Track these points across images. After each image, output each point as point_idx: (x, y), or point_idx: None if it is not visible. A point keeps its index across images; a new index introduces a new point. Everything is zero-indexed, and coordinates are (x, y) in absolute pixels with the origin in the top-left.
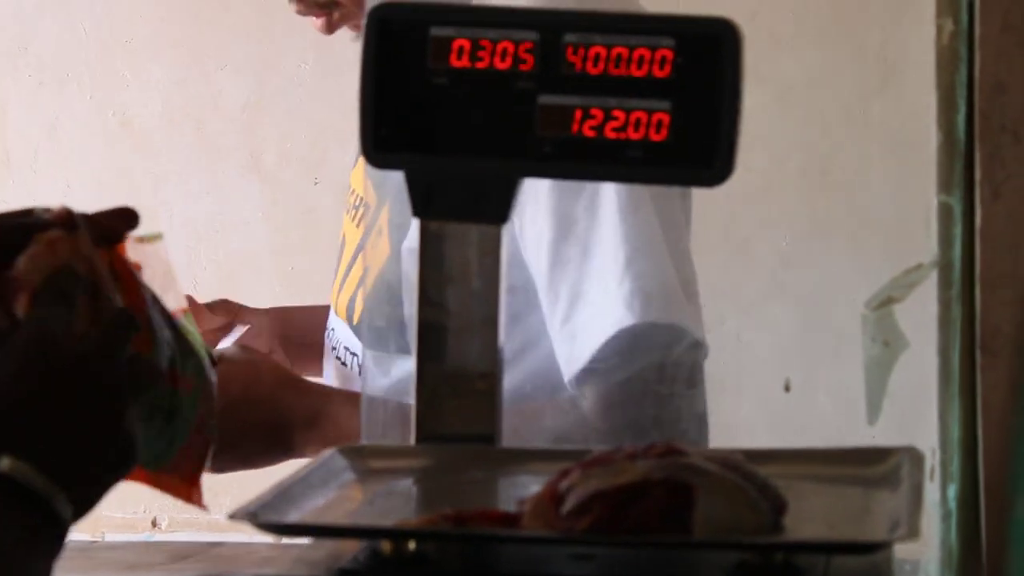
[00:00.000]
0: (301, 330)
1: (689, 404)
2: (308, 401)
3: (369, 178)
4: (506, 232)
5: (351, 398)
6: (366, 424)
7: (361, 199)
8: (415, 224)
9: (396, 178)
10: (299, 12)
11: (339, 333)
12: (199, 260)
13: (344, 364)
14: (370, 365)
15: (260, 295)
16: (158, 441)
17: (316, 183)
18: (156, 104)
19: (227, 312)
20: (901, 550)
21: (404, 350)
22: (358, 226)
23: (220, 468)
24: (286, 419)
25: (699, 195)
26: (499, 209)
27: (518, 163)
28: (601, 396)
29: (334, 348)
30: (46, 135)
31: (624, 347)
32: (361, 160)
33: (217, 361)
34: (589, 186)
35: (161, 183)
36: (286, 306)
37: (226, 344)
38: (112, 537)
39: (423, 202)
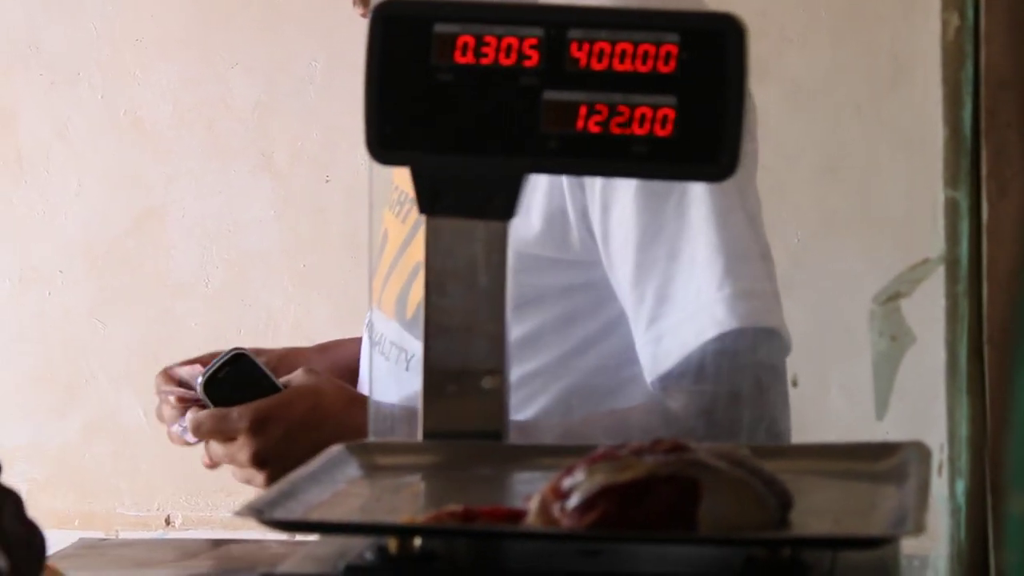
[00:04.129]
0: (345, 368)
1: (782, 403)
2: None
3: None
4: (567, 233)
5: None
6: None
7: (406, 195)
8: None
9: None
10: (364, 15)
11: (382, 328)
12: (211, 259)
13: (387, 359)
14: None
15: (272, 294)
16: None
17: (327, 181)
18: (167, 103)
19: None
20: (909, 546)
21: None
22: (403, 221)
23: None
24: (357, 435)
25: None
26: (505, 205)
27: (523, 159)
28: (695, 397)
29: (377, 343)
30: (58, 135)
31: (723, 350)
32: None
33: (284, 388)
34: (677, 188)
35: (172, 182)
36: (327, 342)
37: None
38: (126, 534)
39: (429, 199)
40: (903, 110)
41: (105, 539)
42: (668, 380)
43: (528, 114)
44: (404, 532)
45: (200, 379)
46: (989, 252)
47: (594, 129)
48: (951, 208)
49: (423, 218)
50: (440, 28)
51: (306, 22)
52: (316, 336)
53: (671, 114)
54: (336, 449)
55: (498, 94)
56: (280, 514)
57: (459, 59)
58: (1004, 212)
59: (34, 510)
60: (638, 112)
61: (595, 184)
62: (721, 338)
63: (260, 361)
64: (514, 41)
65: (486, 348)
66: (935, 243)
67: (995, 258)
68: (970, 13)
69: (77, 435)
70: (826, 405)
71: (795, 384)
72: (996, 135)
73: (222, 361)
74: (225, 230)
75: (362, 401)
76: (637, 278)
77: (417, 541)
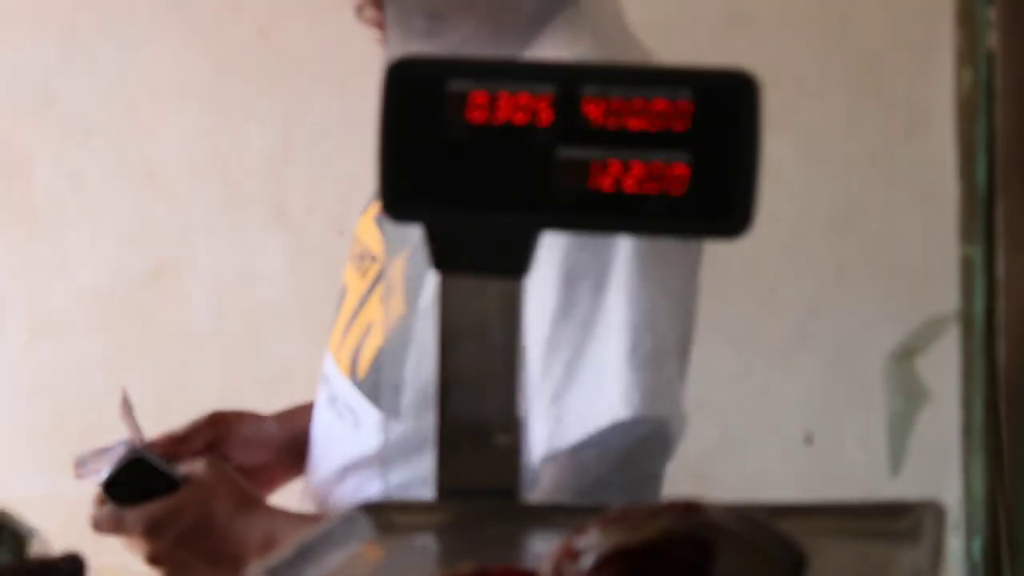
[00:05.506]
0: (308, 433)
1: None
2: (261, 525)
3: (382, 232)
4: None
5: (303, 519)
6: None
7: (367, 250)
8: (430, 282)
9: (412, 234)
10: (369, 24)
11: (337, 386)
12: (225, 311)
13: (340, 418)
14: (369, 423)
15: (286, 346)
16: None
17: (341, 234)
18: (181, 155)
19: (214, 429)
20: None
21: (396, 413)
22: (363, 276)
23: None
24: (239, 547)
25: (725, 245)
26: (518, 262)
27: (536, 217)
28: (568, 475)
29: (333, 400)
30: (72, 187)
31: (612, 435)
32: (370, 211)
33: (183, 483)
34: (598, 265)
35: (187, 234)
36: (293, 408)
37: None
38: None
39: (441, 255)
40: (918, 163)
41: None
42: (556, 459)
43: (541, 171)
44: None
45: (99, 483)
46: (1005, 308)
47: (607, 187)
48: (966, 264)
49: (383, 277)
50: (453, 85)
51: (320, 74)
52: None
53: (685, 171)
54: (349, 509)
55: (511, 151)
56: (293, 575)
57: (472, 116)
58: (1019, 267)
59: None
60: (652, 169)
61: None
62: (612, 427)
63: (156, 459)
64: (527, 98)
65: (500, 404)
66: (950, 298)
67: (1010, 314)
68: (984, 69)
69: (91, 488)
70: (842, 459)
71: (811, 442)
72: (1011, 190)
73: (119, 467)
74: (239, 282)
75: (253, 505)
76: (547, 350)
77: None
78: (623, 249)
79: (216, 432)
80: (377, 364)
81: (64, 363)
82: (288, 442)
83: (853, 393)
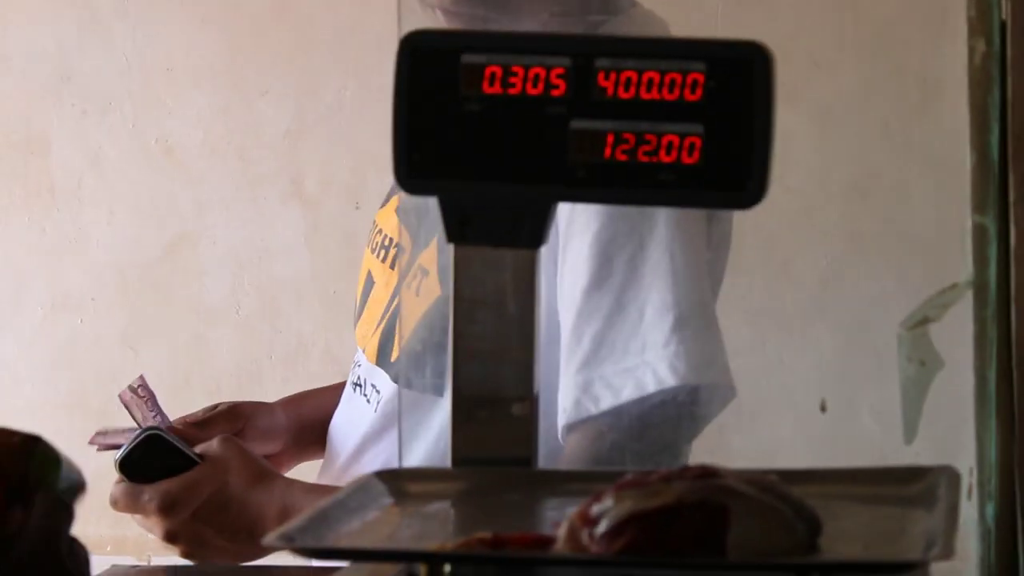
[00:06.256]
0: (315, 420)
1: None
2: (278, 497)
3: (403, 223)
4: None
5: (312, 489)
6: None
7: (391, 240)
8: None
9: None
10: None
11: (364, 372)
12: (242, 286)
13: (368, 401)
14: (406, 406)
15: (303, 320)
16: None
17: (357, 208)
18: (198, 132)
19: (232, 423)
20: (939, 570)
21: (439, 391)
22: (392, 267)
23: (203, 559)
24: (256, 520)
25: (739, 217)
26: (533, 234)
27: (551, 188)
28: (592, 442)
29: (358, 384)
30: (89, 164)
31: (646, 405)
32: (393, 202)
33: (201, 459)
34: (635, 238)
35: (204, 210)
36: (299, 393)
37: None
38: (157, 560)
39: (457, 228)
40: (931, 134)
41: (137, 565)
42: (584, 425)
43: (556, 143)
44: (434, 559)
45: (116, 458)
46: (1017, 276)
47: (621, 158)
48: (979, 233)
49: (413, 263)
50: (468, 58)
51: (335, 49)
52: (346, 361)
53: (698, 142)
54: (365, 477)
55: (526, 123)
56: (311, 541)
57: (487, 89)
58: None
59: None
60: (665, 140)
61: (559, 227)
62: (660, 394)
63: (174, 438)
64: (542, 71)
65: (515, 375)
66: (963, 268)
67: (1023, 282)
68: (996, 39)
69: (110, 461)
70: (856, 428)
71: (824, 409)
72: (1023, 159)
73: (134, 443)
74: (256, 257)
75: (269, 479)
76: (577, 321)
77: (447, 568)
78: (662, 221)
79: (234, 425)
80: (411, 346)
81: (82, 338)
82: (296, 429)
83: (867, 364)
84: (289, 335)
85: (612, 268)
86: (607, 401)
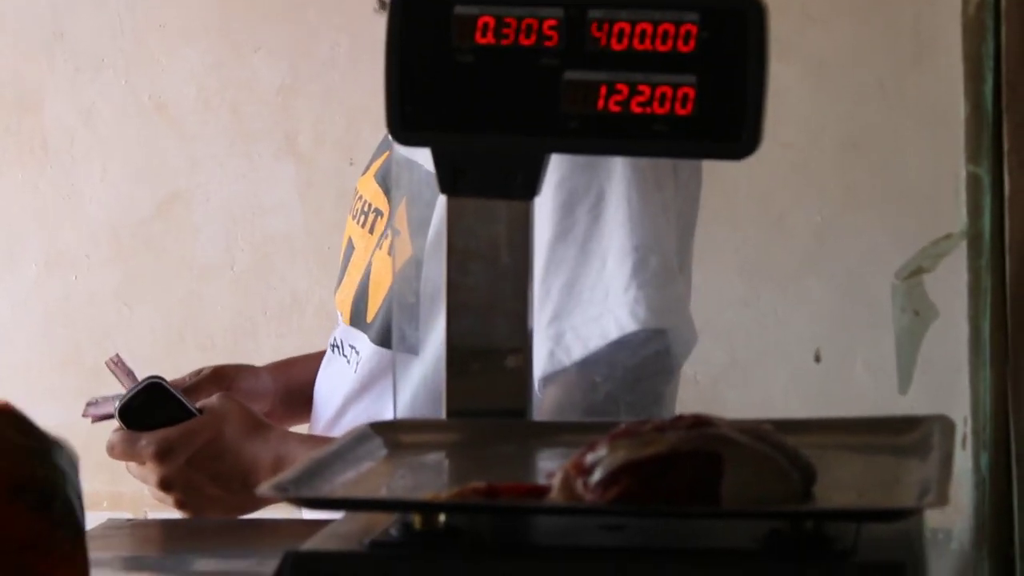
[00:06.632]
0: (302, 384)
1: (668, 406)
2: (273, 448)
3: (379, 185)
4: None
5: (307, 440)
6: None
7: (371, 205)
8: (436, 217)
9: (412, 180)
10: None
11: (342, 333)
12: (236, 242)
13: (348, 363)
14: (383, 366)
15: (297, 276)
16: None
17: (351, 164)
18: (191, 88)
19: (217, 385)
20: (934, 519)
21: (413, 350)
22: (371, 232)
23: (195, 510)
24: (251, 469)
25: (734, 172)
26: (527, 185)
27: (544, 139)
28: (581, 395)
29: (336, 346)
30: (82, 121)
31: (618, 352)
32: (373, 168)
33: (200, 412)
34: (595, 188)
35: (197, 166)
36: (286, 359)
37: None
38: (154, 515)
39: (450, 179)
40: (926, 86)
41: (133, 519)
42: (561, 377)
43: (549, 94)
44: (428, 508)
45: (116, 405)
46: (1011, 225)
47: (614, 108)
48: (973, 183)
49: (390, 223)
50: (460, 10)
51: (328, 5)
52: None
53: (691, 93)
54: (361, 428)
55: (518, 74)
56: (305, 491)
57: (479, 40)
58: None
59: None
60: (658, 91)
61: None
62: (622, 340)
63: (174, 388)
64: (534, 22)
65: (509, 327)
66: (958, 218)
67: (1017, 231)
68: None
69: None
70: (851, 380)
71: (818, 360)
72: (1017, 110)
73: (135, 391)
74: (250, 213)
75: (264, 430)
76: (545, 274)
77: (441, 517)
78: (619, 170)
79: (219, 387)
80: (386, 307)
81: (76, 295)
82: (283, 393)
83: (861, 317)
84: (283, 291)
85: (575, 219)
86: (578, 351)
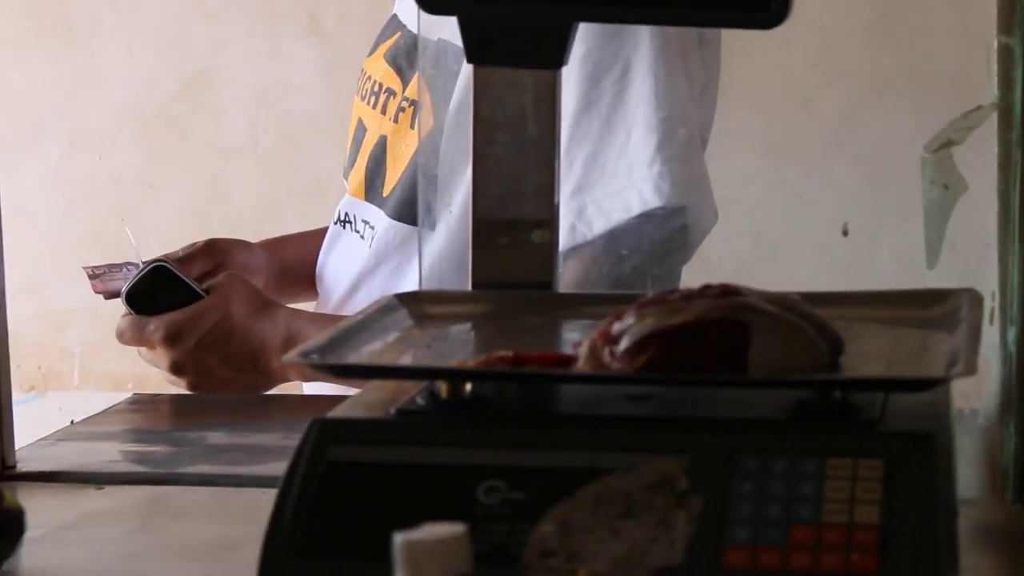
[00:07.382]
0: (295, 261)
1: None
2: (282, 325)
3: (390, 65)
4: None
5: (317, 318)
6: None
7: (381, 85)
8: (458, 90)
9: (429, 54)
10: None
11: (355, 208)
12: (260, 123)
13: (362, 238)
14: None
15: (321, 156)
16: None
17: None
18: None
19: (211, 257)
20: (961, 395)
21: (431, 226)
22: (383, 112)
23: (209, 391)
24: (261, 347)
25: (760, 55)
26: (554, 54)
27: (571, 7)
28: (595, 265)
29: (347, 221)
30: (107, 1)
31: (644, 225)
32: (381, 48)
33: (206, 292)
34: (621, 59)
35: (222, 47)
36: (279, 237)
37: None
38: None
39: (477, 48)
40: None
41: (158, 395)
42: (584, 251)
43: None
44: (455, 376)
45: (123, 290)
46: None
47: None
48: (1004, 54)
49: (407, 98)
50: None
51: None
52: None
53: None
54: (386, 298)
55: None
56: (331, 359)
57: None
58: None
59: (88, 373)
60: None
61: None
62: (645, 215)
63: (180, 270)
64: None
65: (535, 199)
66: (988, 90)
67: None
68: None
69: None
70: (877, 260)
71: (846, 233)
72: None
73: (140, 275)
74: (274, 94)
75: (273, 309)
76: (569, 145)
77: (468, 386)
78: (646, 41)
79: (213, 259)
80: (404, 181)
81: (101, 175)
82: (277, 269)
83: (888, 198)
84: (307, 172)
85: (600, 90)
86: (599, 225)
